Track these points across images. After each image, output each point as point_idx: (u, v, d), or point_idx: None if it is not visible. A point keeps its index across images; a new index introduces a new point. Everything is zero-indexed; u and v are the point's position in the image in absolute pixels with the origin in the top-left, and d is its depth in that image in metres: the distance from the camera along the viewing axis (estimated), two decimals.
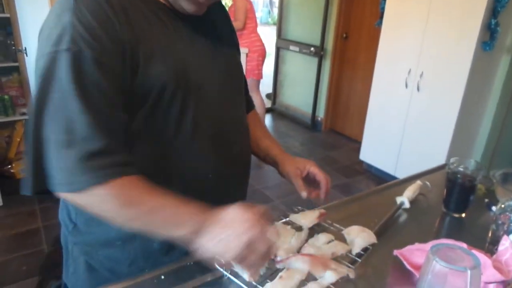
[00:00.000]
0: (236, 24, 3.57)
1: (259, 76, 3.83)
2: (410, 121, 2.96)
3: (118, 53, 0.65)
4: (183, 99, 0.74)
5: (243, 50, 3.71)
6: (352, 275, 0.74)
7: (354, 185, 3.22)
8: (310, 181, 0.98)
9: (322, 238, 0.84)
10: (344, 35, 4.03)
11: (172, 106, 0.73)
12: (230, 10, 3.64)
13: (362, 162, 3.47)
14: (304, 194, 0.94)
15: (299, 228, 0.88)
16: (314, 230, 0.88)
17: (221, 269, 0.74)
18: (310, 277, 0.74)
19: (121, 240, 0.80)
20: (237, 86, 0.91)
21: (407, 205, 1.02)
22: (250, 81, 3.81)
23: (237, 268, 0.73)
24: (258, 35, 3.75)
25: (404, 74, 2.91)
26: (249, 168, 0.94)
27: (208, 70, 0.80)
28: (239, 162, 0.89)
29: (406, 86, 2.91)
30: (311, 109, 4.44)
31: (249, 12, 3.63)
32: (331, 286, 0.71)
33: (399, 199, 1.03)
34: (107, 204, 0.64)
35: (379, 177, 3.31)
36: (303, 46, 4.38)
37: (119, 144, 0.67)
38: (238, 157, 0.88)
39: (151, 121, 0.72)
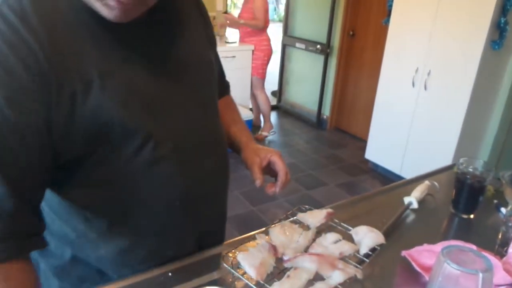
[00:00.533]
0: (256, 23, 3.56)
1: (263, 75, 3.84)
2: (417, 120, 2.94)
3: (40, 89, 0.55)
4: (136, 126, 0.64)
5: (249, 47, 3.71)
6: (360, 276, 0.74)
7: (359, 184, 3.21)
8: (272, 174, 0.89)
9: (329, 237, 0.84)
10: (351, 33, 4.01)
11: (125, 136, 0.64)
12: (246, 7, 3.59)
13: (367, 161, 3.45)
14: (257, 182, 0.84)
15: (306, 227, 0.87)
16: (321, 230, 0.87)
17: (229, 267, 0.74)
18: (317, 277, 0.73)
19: (95, 258, 0.76)
20: (206, 91, 0.80)
21: (415, 205, 1.01)
22: (254, 80, 3.81)
23: (245, 267, 0.73)
24: (266, 34, 3.75)
25: (411, 73, 2.89)
26: (227, 178, 0.86)
27: (166, 85, 0.69)
28: (213, 177, 0.80)
29: (413, 85, 2.90)
30: (316, 107, 4.43)
31: None
32: (339, 286, 0.71)
33: (407, 199, 1.03)
34: None
35: (385, 176, 3.30)
36: (309, 44, 4.36)
37: (31, 205, 0.61)
38: (212, 171, 0.79)
39: (104, 153, 0.64)
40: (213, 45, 0.87)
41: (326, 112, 4.42)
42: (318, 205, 0.94)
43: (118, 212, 0.71)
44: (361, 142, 3.85)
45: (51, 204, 0.72)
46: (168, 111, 0.69)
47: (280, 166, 0.86)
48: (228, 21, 3.70)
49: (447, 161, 2.69)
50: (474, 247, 0.76)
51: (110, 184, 0.68)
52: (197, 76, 0.76)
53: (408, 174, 2.99)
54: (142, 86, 0.65)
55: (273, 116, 4.75)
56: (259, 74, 3.80)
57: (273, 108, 4.74)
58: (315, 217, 0.89)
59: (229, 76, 1.00)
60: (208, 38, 0.83)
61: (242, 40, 3.80)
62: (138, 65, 0.66)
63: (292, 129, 4.37)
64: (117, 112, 0.61)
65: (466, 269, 0.52)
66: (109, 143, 0.63)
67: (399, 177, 3.08)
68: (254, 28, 3.63)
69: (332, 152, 3.82)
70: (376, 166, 3.39)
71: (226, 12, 3.60)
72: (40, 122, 0.56)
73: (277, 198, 2.91)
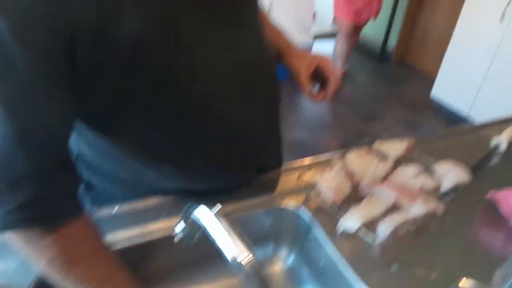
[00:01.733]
0: None
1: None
2: (499, 61, 2.64)
3: (53, 18, 0.45)
4: (176, 55, 0.55)
5: None
6: (440, 211, 0.70)
7: (420, 123, 3.05)
8: (318, 81, 0.82)
9: (409, 170, 0.79)
10: None
11: (167, 66, 0.55)
12: None
13: (432, 99, 3.24)
14: (307, 91, 0.78)
15: (384, 157, 0.83)
16: (399, 161, 0.83)
17: (304, 187, 0.73)
18: (394, 208, 0.71)
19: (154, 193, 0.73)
20: (252, 15, 0.68)
21: (503, 146, 0.93)
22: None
23: (321, 188, 0.71)
24: None
25: (503, 5, 2.53)
26: (279, 101, 0.78)
27: (212, 9, 0.58)
28: (268, 105, 0.74)
29: (502, 18, 2.55)
30: (382, 38, 4.11)
31: None
32: (417, 218, 0.68)
33: (495, 140, 0.94)
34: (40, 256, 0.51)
35: (450, 117, 3.09)
36: None
37: (57, 156, 0.51)
38: (267, 100, 0.73)
39: (146, 86, 0.55)
40: None
41: (392, 43, 4.10)
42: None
43: (179, 147, 0.64)
44: (427, 80, 3.58)
45: (101, 147, 0.66)
46: (216, 40, 0.59)
47: (330, 71, 0.80)
48: None
49: None
50: None
51: (162, 122, 0.60)
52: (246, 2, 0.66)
53: (478, 116, 2.78)
54: (182, 12, 0.54)
55: (331, 43, 4.49)
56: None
57: (331, 34, 4.44)
58: (395, 148, 0.84)
59: None
60: None
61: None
62: None
63: (351, 59, 4.12)
64: (152, 33, 0.51)
65: None
66: (149, 77, 0.54)
67: (466, 120, 2.88)
68: None
69: (394, 87, 3.61)
70: (440, 106, 3.18)
71: None
72: (52, 53, 0.46)
73: (333, 128, 2.85)
